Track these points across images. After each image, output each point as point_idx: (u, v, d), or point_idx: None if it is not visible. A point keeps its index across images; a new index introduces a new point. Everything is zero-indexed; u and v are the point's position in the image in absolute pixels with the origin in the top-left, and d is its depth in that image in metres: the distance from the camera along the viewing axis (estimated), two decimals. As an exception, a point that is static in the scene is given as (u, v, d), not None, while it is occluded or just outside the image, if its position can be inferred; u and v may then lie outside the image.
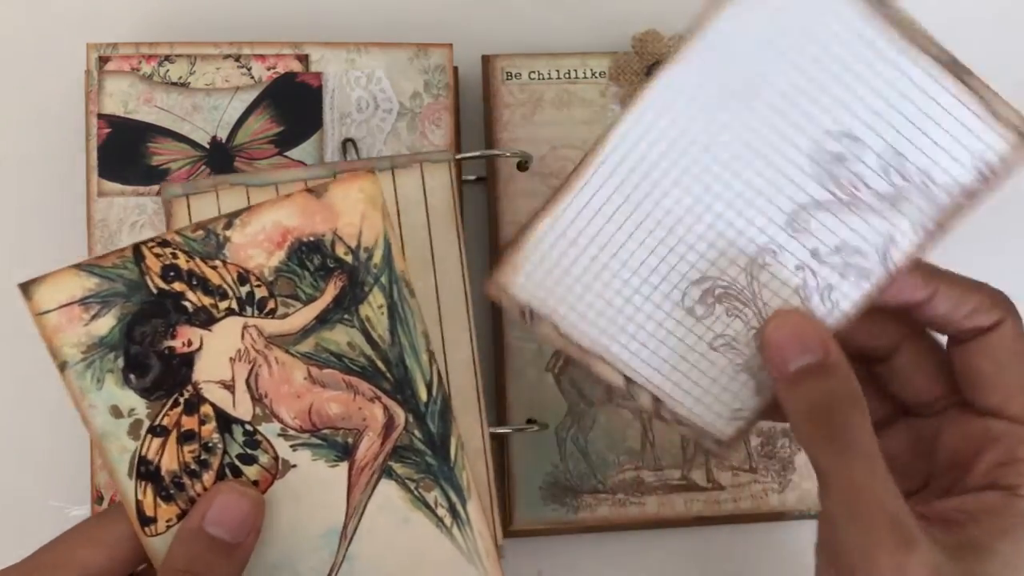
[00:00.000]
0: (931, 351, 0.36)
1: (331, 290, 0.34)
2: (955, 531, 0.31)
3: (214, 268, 0.34)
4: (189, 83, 0.45)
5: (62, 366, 0.33)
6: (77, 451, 0.45)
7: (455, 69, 0.47)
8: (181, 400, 0.34)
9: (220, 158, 0.45)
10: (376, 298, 0.34)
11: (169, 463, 0.34)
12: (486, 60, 0.48)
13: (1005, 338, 0.33)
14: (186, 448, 0.34)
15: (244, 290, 0.34)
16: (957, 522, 0.32)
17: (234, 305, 0.34)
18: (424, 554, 0.36)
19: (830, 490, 0.31)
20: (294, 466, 0.35)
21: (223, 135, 0.45)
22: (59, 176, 0.48)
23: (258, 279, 0.34)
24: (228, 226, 0.34)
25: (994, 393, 0.33)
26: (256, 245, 0.34)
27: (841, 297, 0.34)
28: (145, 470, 0.34)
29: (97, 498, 0.44)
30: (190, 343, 0.34)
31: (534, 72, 0.48)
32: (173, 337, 0.34)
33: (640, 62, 0.48)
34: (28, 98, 0.49)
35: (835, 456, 0.31)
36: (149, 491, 0.34)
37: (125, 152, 0.45)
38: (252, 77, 0.46)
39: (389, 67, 0.46)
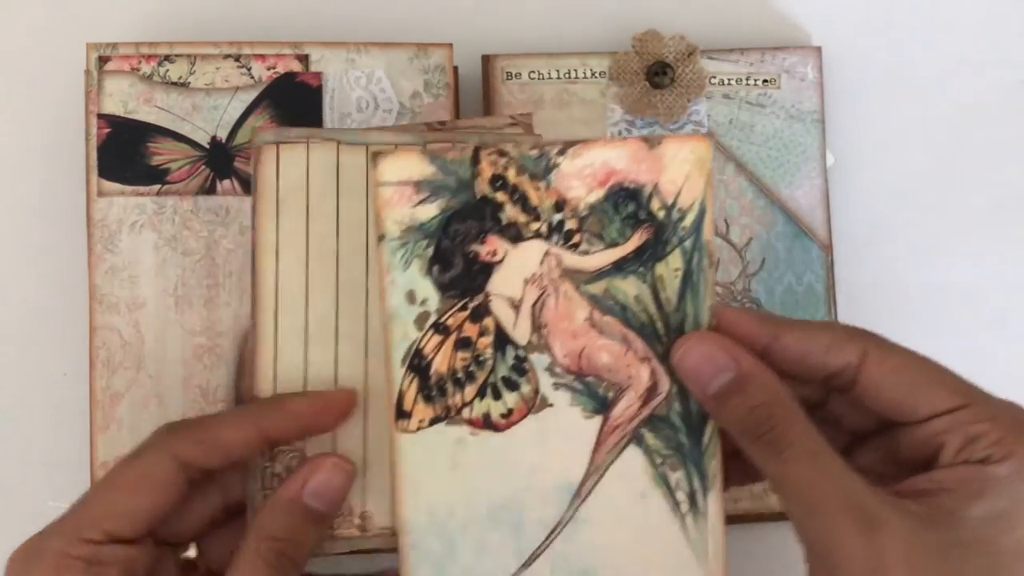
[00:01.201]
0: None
1: (635, 240, 0.35)
2: (928, 500, 0.32)
3: (537, 189, 0.34)
4: (189, 83, 0.45)
5: (380, 237, 0.34)
6: (77, 451, 0.45)
7: (455, 69, 0.47)
8: (469, 306, 0.35)
9: (220, 158, 0.45)
10: (674, 260, 0.34)
11: (440, 364, 0.35)
12: (486, 60, 0.48)
13: (885, 363, 0.33)
14: (459, 355, 0.35)
15: (556, 218, 0.35)
16: (930, 491, 0.32)
17: (543, 229, 0.35)
18: (651, 538, 0.35)
19: (783, 493, 0.32)
20: (550, 405, 0.35)
21: (223, 135, 0.45)
22: (59, 176, 0.48)
23: (572, 211, 0.34)
24: (561, 152, 0.34)
25: (919, 408, 0.33)
26: (580, 178, 0.34)
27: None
28: (417, 363, 0.35)
29: (97, 498, 0.44)
30: (494, 253, 0.35)
31: (534, 72, 0.48)
32: (482, 243, 0.35)
33: (640, 62, 0.48)
34: (28, 98, 0.49)
35: (776, 460, 0.32)
36: (413, 385, 0.35)
37: (125, 152, 0.45)
38: (252, 77, 0.46)
39: (389, 67, 0.46)
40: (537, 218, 0.35)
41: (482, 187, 0.34)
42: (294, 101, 0.46)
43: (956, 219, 0.51)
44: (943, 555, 0.30)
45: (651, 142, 0.34)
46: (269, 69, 0.46)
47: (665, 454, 0.35)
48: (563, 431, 0.35)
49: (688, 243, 0.34)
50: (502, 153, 0.34)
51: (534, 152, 0.34)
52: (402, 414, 0.34)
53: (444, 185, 0.34)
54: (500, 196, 0.34)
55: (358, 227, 0.38)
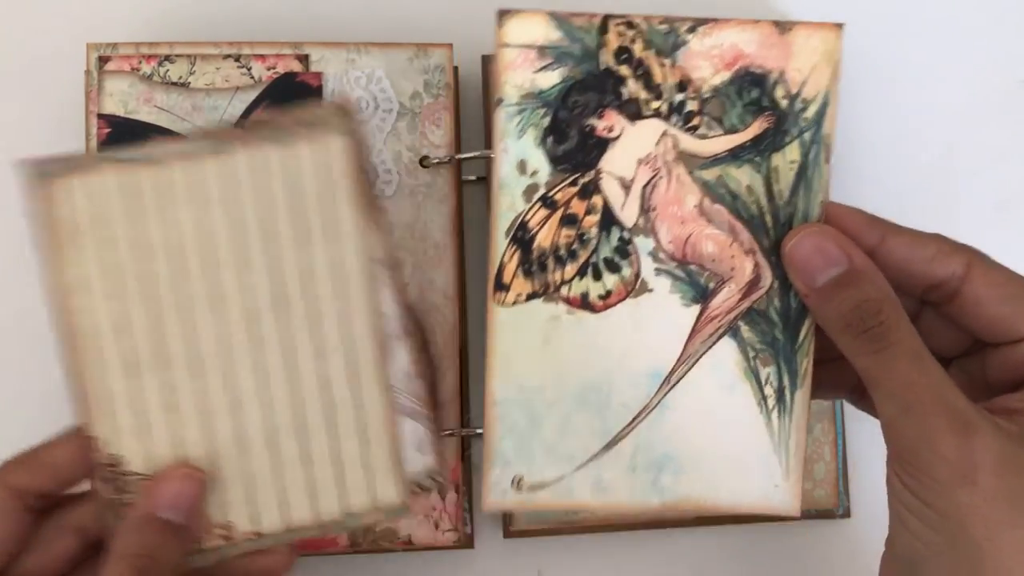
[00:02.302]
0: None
1: (754, 128, 0.34)
2: (1020, 419, 0.31)
3: (662, 66, 0.34)
4: (189, 83, 0.45)
5: (498, 102, 0.34)
6: (77, 451, 0.45)
7: (455, 69, 0.47)
8: (580, 182, 0.34)
9: (220, 158, 0.45)
10: (792, 152, 0.34)
11: (543, 239, 0.34)
12: (486, 60, 0.48)
13: (989, 276, 0.33)
14: (564, 231, 0.34)
15: (678, 98, 0.34)
16: (1020, 411, 0.32)
17: (664, 108, 0.34)
18: (734, 430, 0.35)
19: (881, 391, 0.32)
20: (650, 290, 0.35)
21: (223, 135, 0.45)
22: (59, 176, 0.48)
23: (694, 92, 0.34)
24: (691, 30, 0.34)
25: (1021, 326, 0.33)
26: (707, 58, 0.34)
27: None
28: (521, 236, 0.34)
29: (97, 498, 0.44)
30: (611, 129, 0.34)
31: (534, 72, 0.48)
32: (600, 117, 0.34)
33: (640, 62, 0.48)
34: (28, 98, 0.49)
35: (879, 357, 0.32)
36: (515, 258, 0.34)
37: (125, 152, 0.45)
38: (252, 77, 0.46)
39: (389, 67, 0.46)
40: (659, 96, 0.34)
41: (607, 59, 0.34)
42: (294, 101, 0.46)
43: (956, 219, 0.51)
44: None
45: (782, 27, 0.34)
46: (269, 69, 0.46)
47: (759, 348, 0.35)
48: (659, 318, 0.35)
49: (808, 135, 0.34)
50: (631, 25, 0.34)
51: (663, 27, 0.34)
52: (500, 286, 0.34)
53: (569, 53, 0.34)
54: (624, 70, 0.34)
55: (177, 248, 0.34)
